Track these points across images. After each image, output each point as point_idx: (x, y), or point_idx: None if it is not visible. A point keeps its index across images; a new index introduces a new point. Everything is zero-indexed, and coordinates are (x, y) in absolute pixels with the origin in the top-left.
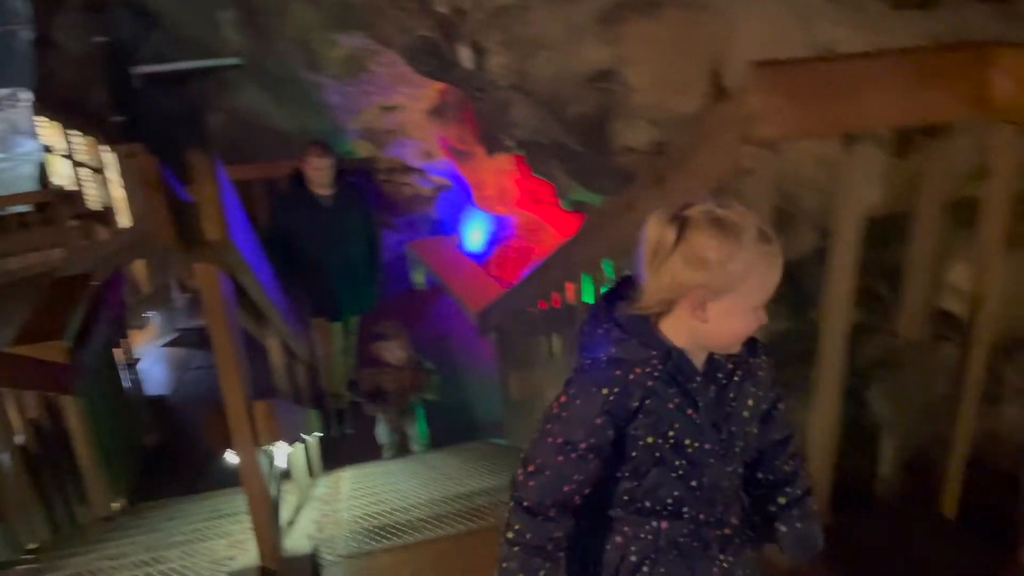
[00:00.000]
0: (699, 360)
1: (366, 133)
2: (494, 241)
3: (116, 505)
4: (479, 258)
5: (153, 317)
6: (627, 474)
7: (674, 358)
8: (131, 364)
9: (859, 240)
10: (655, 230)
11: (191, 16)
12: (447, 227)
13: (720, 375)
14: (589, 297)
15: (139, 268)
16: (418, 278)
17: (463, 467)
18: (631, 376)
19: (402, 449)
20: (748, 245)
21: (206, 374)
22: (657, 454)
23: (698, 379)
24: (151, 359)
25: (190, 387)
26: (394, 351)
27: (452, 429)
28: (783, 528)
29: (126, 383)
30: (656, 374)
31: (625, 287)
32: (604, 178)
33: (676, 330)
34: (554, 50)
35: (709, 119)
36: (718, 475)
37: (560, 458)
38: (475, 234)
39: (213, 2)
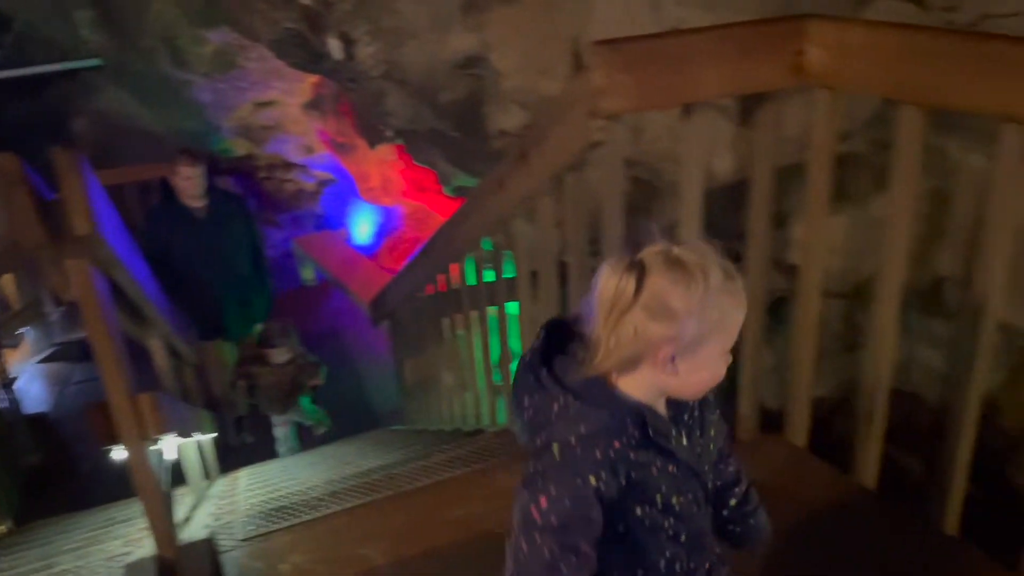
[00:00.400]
0: (662, 407)
1: (242, 130)
2: (382, 233)
3: (2, 528)
4: (368, 250)
5: (27, 333)
6: (615, 549)
7: (649, 420)
8: (6, 384)
9: (702, 202)
10: (611, 280)
11: (46, 17)
12: (333, 221)
13: (685, 416)
14: (472, 278)
15: (7, 283)
16: (307, 274)
17: (360, 452)
18: (611, 453)
19: (298, 445)
20: (716, 288)
21: (88, 387)
22: (647, 522)
23: (673, 433)
24: (28, 377)
25: (72, 402)
26: (282, 354)
27: (352, 422)
28: (738, 529)
29: (2, 403)
30: (634, 442)
31: (553, 340)
32: (482, 162)
33: (638, 385)
34: (421, 39)
35: (562, 97)
36: (702, 519)
37: (564, 568)
38: (362, 227)
39: (69, 1)
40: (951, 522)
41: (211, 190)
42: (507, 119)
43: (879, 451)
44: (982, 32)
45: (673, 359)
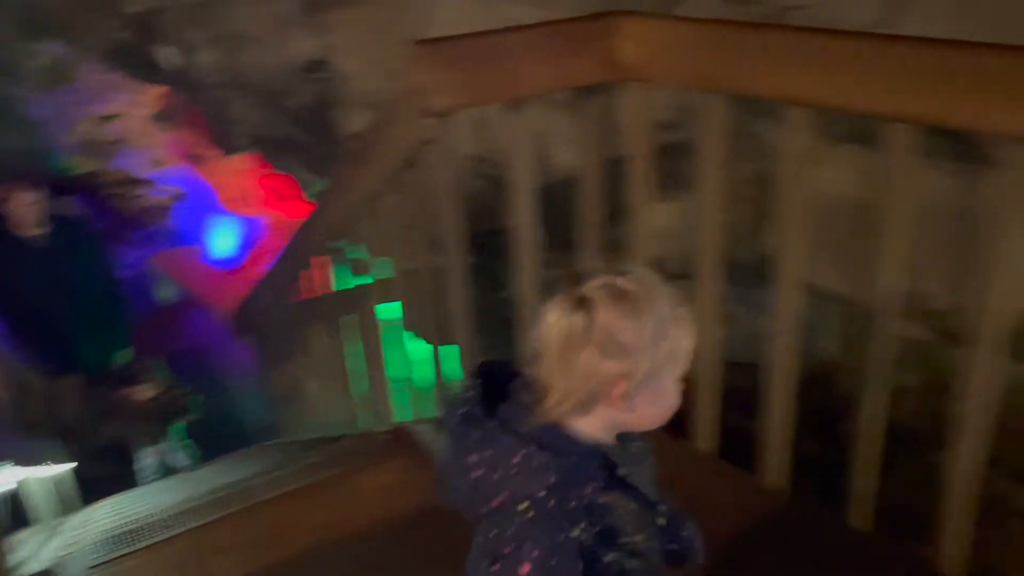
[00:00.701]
0: (613, 442)
1: (85, 147)
2: (246, 244)
3: None
4: (231, 263)
5: None
6: None
7: (617, 461)
8: None
9: (535, 196)
10: (560, 321)
11: None
12: (191, 236)
13: (633, 449)
14: (332, 284)
15: None
16: (165, 293)
17: (221, 470)
18: (585, 500)
19: (165, 472)
20: (665, 318)
21: None
22: (615, 567)
23: (635, 469)
24: None
25: None
26: (147, 391)
27: (225, 442)
28: (675, 547)
29: None
30: (602, 484)
31: (490, 385)
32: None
33: (594, 425)
34: (262, 43)
35: (395, 98)
36: (657, 554)
37: None
38: (223, 239)
39: None
40: (779, 478)
41: (52, 216)
42: (357, 121)
43: (715, 416)
44: (774, 24)
45: (628, 395)
